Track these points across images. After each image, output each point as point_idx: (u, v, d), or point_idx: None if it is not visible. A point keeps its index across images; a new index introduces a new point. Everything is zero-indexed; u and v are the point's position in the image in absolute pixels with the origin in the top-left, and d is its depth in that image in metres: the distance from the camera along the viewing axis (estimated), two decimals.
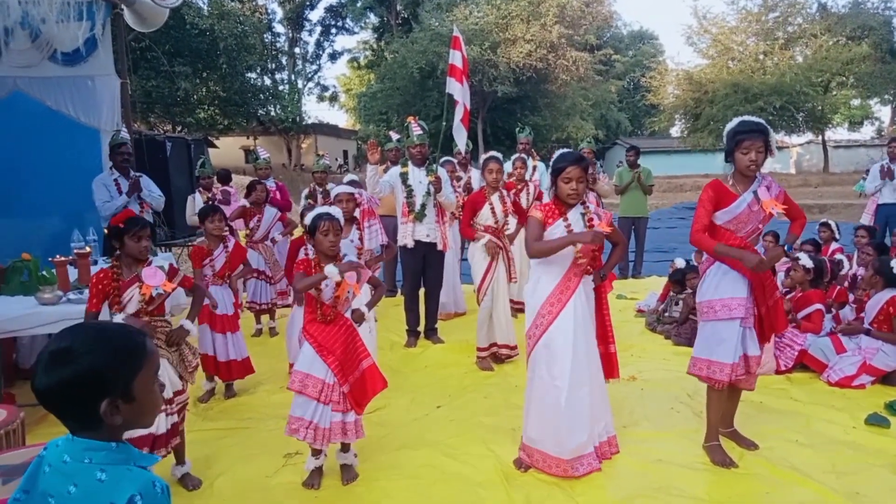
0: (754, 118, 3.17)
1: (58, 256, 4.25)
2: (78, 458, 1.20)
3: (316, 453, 3.15)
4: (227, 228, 4.55)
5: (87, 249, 4.37)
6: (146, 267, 3.02)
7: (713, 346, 3.24)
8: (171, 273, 3.13)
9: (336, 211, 3.21)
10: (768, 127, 3.14)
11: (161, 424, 2.91)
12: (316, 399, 3.04)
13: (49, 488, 1.20)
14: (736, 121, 3.19)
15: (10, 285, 4.26)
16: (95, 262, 4.58)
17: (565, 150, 3.37)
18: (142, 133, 9.92)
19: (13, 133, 6.18)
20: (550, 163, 3.23)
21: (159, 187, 6.01)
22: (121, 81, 6.51)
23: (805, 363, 4.66)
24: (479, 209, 5.01)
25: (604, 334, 3.38)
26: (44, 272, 4.26)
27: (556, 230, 3.15)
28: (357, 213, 4.71)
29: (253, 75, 30.25)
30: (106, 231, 3.37)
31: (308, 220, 3.19)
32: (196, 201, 6.66)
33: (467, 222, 5.07)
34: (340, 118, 61.87)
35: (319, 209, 3.21)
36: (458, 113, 5.29)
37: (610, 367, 3.38)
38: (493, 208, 4.98)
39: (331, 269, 3.00)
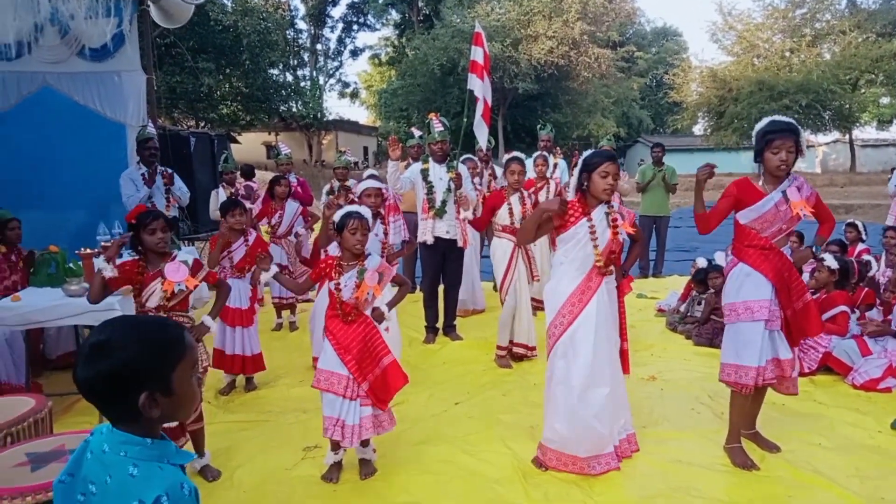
0: (785, 118, 3.10)
1: (83, 249, 4.32)
2: (115, 449, 1.22)
3: (335, 447, 3.17)
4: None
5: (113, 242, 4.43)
6: (170, 262, 3.04)
7: (738, 348, 3.19)
8: (196, 268, 3.12)
9: (365, 210, 3.20)
10: (799, 127, 3.08)
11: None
12: (342, 395, 3.06)
13: (90, 475, 1.23)
14: (766, 120, 3.12)
15: (37, 277, 4.35)
16: (121, 255, 4.64)
17: (594, 150, 3.36)
18: (166, 128, 10.04)
19: (42, 127, 6.31)
20: (580, 160, 3.19)
21: (183, 182, 6.08)
22: (146, 77, 6.61)
23: (829, 365, 4.59)
24: (497, 208, 5.01)
25: (619, 331, 3.36)
26: (70, 264, 4.33)
27: (579, 229, 3.12)
28: (382, 209, 4.73)
29: (275, 72, 30.52)
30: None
31: (337, 217, 3.19)
32: (220, 196, 6.73)
33: (484, 220, 5.07)
34: (361, 115, 62.07)
35: (348, 208, 3.20)
36: (479, 109, 5.27)
37: (622, 363, 3.36)
38: (511, 209, 4.98)
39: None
